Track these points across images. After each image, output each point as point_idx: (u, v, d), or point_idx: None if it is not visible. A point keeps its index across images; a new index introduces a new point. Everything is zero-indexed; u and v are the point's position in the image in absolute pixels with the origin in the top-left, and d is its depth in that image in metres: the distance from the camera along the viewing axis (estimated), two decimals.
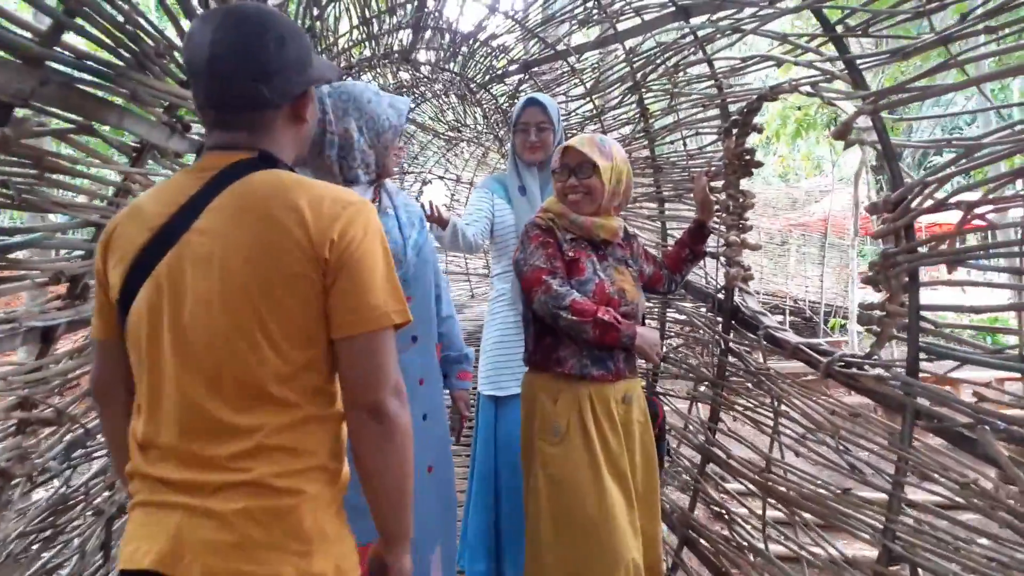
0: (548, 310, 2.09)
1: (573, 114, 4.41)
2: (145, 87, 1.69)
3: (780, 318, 14.16)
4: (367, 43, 4.52)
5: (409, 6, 4.23)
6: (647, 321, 2.42)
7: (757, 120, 2.74)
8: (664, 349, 3.45)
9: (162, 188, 1.25)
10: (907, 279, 1.99)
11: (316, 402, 1.19)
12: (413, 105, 2.14)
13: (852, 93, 2.13)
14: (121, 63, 1.67)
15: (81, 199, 1.94)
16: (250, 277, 1.12)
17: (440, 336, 2.34)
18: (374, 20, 4.16)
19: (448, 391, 2.43)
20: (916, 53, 1.95)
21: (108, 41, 1.65)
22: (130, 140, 2.01)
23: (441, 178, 12.07)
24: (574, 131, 4.34)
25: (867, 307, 2.11)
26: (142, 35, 1.71)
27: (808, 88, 2.30)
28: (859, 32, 2.10)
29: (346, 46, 4.48)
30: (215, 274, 1.12)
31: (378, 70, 6.82)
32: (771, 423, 2.61)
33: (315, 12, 3.43)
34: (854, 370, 2.21)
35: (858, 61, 2.09)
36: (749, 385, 2.73)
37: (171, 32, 1.89)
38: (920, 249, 1.94)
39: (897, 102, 2.08)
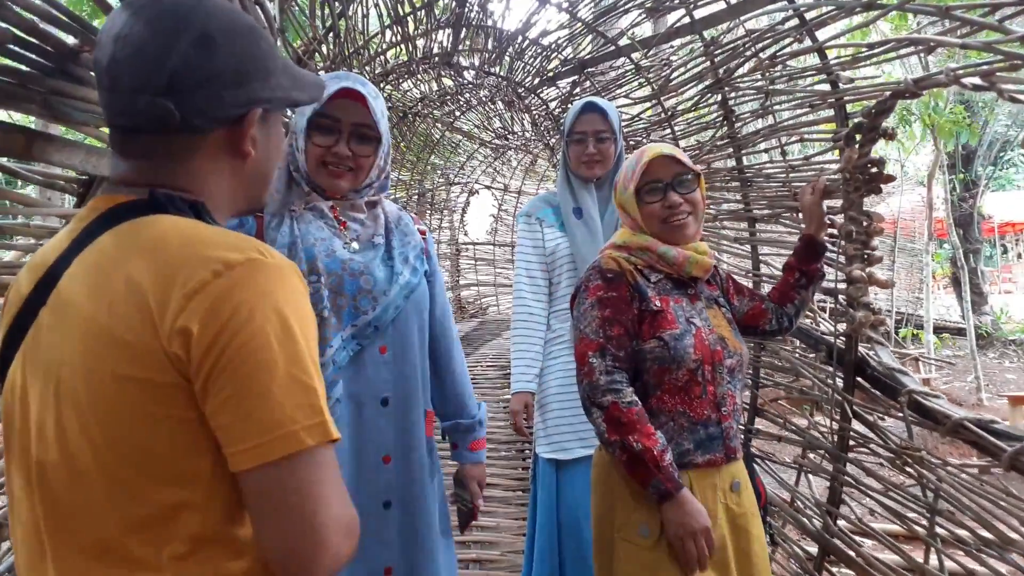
0: (584, 402, 1.64)
1: (637, 119, 3.83)
2: (61, 97, 1.19)
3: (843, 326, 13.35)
4: (402, 46, 4.02)
5: (448, 2, 3.73)
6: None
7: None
8: (760, 402, 2.85)
9: (56, 236, 0.91)
10: None
11: (196, 558, 0.80)
12: (365, 92, 1.55)
13: None
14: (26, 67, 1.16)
15: (10, 255, 1.46)
16: (81, 379, 0.79)
17: (444, 399, 1.87)
18: (408, 19, 3.66)
19: (457, 467, 1.93)
20: None
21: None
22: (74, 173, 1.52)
23: (488, 187, 11.64)
24: (640, 139, 3.76)
25: None
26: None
27: (976, 80, 1.70)
28: None
29: (379, 49, 3.99)
30: (53, 373, 0.81)
31: (419, 76, 6.36)
32: (921, 516, 1.99)
33: (338, 8, 2.94)
34: None
35: None
36: (884, 463, 2.12)
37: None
38: None
39: None
